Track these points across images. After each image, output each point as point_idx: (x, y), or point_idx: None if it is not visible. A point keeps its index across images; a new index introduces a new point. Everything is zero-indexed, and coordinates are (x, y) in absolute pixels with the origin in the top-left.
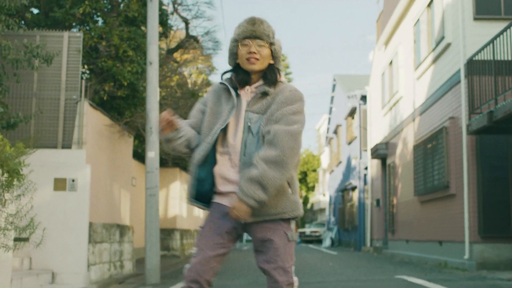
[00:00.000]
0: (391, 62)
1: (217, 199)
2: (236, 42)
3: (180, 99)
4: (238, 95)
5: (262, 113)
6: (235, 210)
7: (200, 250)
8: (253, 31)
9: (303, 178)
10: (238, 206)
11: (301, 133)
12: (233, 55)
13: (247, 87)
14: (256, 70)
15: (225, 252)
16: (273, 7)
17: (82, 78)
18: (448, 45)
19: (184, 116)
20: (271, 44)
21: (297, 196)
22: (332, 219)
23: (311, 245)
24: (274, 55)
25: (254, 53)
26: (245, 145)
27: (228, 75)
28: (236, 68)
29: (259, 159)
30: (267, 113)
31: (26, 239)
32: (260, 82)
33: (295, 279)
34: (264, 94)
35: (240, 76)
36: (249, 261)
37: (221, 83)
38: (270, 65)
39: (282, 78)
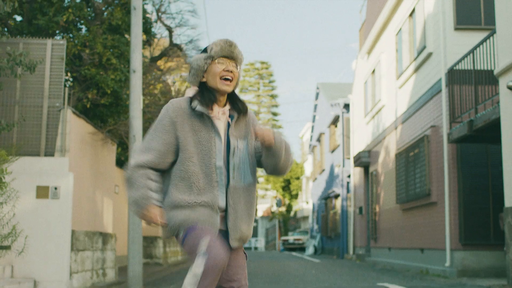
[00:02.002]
0: (373, 71)
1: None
2: (210, 59)
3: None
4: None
5: (242, 136)
6: (269, 130)
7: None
8: (231, 52)
9: (287, 186)
10: (269, 129)
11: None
12: (201, 73)
13: (218, 109)
14: (229, 91)
15: None
16: (256, 16)
17: (65, 85)
18: (430, 54)
19: None
20: (239, 69)
21: None
22: (315, 226)
23: (294, 253)
24: (237, 82)
25: (231, 71)
26: (234, 169)
27: (187, 95)
28: (201, 87)
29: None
30: (248, 136)
31: (8, 247)
32: (228, 105)
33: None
34: (239, 118)
35: (208, 95)
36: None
37: (193, 108)
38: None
39: None
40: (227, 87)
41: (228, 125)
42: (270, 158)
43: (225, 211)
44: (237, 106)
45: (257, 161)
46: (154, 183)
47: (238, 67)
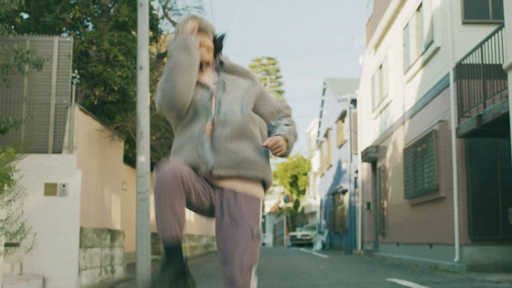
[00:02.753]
0: (381, 66)
1: None
2: None
3: None
4: None
5: (230, 90)
6: (279, 141)
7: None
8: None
9: (294, 182)
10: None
11: None
12: None
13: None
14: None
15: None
16: (262, 11)
17: (72, 83)
18: (437, 49)
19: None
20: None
21: None
22: (323, 222)
23: (302, 249)
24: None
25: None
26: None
27: None
28: None
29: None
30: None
31: (17, 244)
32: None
33: None
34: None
35: None
36: None
37: None
38: None
39: None
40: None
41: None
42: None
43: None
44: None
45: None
46: None
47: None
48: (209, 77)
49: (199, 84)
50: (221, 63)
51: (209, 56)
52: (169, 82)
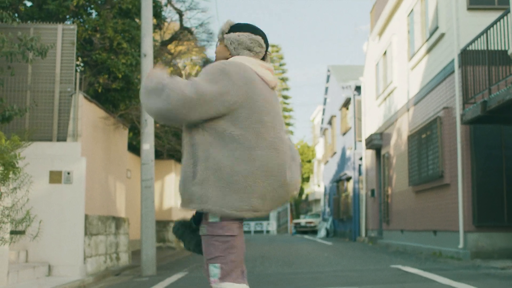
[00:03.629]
0: (385, 53)
1: None
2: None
3: None
4: None
5: None
6: None
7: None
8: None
9: None
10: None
11: (195, 92)
12: None
13: None
14: None
15: None
16: None
17: (76, 70)
18: (442, 35)
19: None
20: (220, 39)
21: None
22: (327, 209)
23: (306, 236)
24: (231, 47)
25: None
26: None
27: None
28: None
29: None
30: None
31: (22, 232)
32: None
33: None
34: None
35: None
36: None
37: None
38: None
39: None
40: None
41: None
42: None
43: None
44: None
45: None
46: None
47: (218, 41)
48: None
49: None
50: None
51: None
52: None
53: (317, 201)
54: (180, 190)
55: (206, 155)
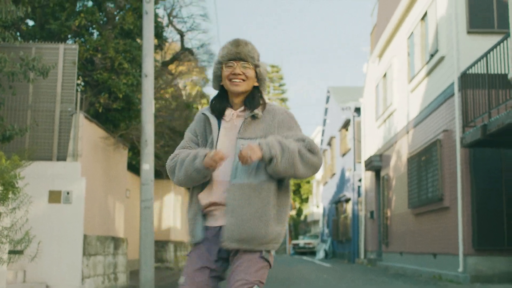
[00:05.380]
0: (385, 75)
1: (207, 223)
2: (220, 64)
3: (175, 111)
4: (220, 122)
5: (255, 137)
6: (248, 148)
7: (188, 278)
8: (237, 53)
9: (297, 190)
10: (252, 146)
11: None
12: (217, 78)
13: (232, 112)
14: (240, 92)
15: (217, 276)
16: (267, 19)
17: (77, 90)
18: (442, 58)
19: (179, 128)
20: (256, 66)
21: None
22: (326, 231)
23: (304, 257)
24: (259, 77)
25: (239, 74)
26: (236, 169)
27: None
28: (221, 91)
29: (301, 146)
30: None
31: (20, 252)
32: (243, 106)
33: None
34: (253, 117)
35: (220, 102)
36: None
37: (202, 113)
38: (254, 87)
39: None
40: (235, 88)
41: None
42: (274, 175)
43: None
44: (249, 105)
45: None
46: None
47: (251, 64)
48: (234, 116)
49: None
50: (249, 105)
51: (242, 87)
52: (179, 176)
53: (316, 222)
54: (258, 230)
55: (289, 201)
